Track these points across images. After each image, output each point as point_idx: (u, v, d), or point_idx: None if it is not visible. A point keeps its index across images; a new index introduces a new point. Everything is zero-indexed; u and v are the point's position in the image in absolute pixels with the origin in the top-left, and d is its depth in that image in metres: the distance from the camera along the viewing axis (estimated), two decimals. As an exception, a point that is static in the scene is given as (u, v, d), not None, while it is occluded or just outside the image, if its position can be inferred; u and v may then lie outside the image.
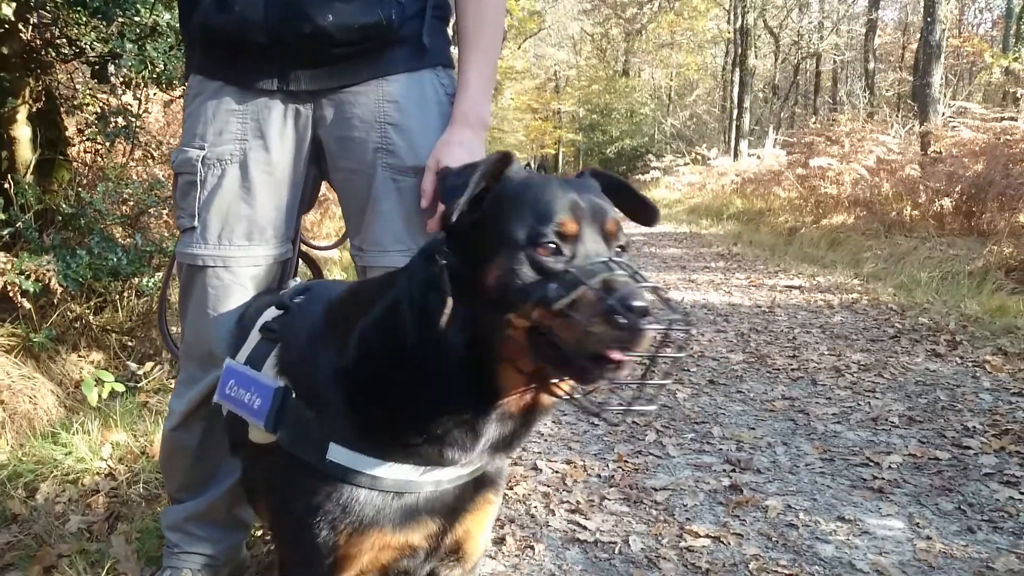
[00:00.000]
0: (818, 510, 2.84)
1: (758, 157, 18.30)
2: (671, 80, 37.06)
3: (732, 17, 26.95)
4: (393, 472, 1.32)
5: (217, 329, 1.82)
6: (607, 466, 3.24)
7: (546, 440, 3.54)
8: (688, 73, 36.43)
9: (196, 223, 1.81)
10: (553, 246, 1.19)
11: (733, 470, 3.19)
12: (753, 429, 3.67)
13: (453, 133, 1.74)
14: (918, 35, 19.33)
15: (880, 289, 7.24)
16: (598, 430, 3.67)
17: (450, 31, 1.97)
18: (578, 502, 2.88)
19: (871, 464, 3.25)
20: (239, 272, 1.82)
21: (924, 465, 3.22)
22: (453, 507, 1.39)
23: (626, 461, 3.27)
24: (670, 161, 24.73)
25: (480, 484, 1.43)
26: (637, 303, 1.06)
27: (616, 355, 1.10)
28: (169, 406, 2.00)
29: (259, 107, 1.79)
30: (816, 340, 5.43)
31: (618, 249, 1.25)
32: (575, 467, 3.22)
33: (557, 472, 3.17)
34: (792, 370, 4.68)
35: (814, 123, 16.14)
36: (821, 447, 3.44)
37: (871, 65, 23.01)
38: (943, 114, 12.38)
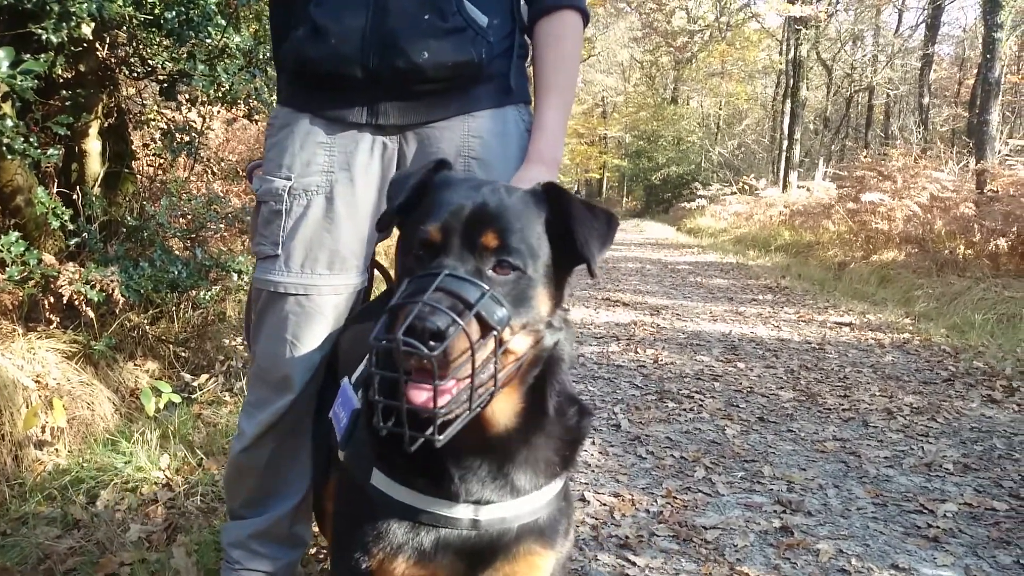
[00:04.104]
0: (871, 556, 2.79)
1: (807, 189, 18.08)
2: (720, 109, 36.91)
3: (784, 48, 26.81)
4: (427, 504, 1.33)
5: (296, 355, 1.86)
6: (655, 501, 3.22)
7: (593, 471, 3.53)
8: (738, 102, 36.27)
9: (279, 251, 1.86)
10: (420, 255, 1.21)
11: (784, 511, 3.16)
12: (804, 470, 3.62)
13: (528, 170, 1.77)
14: (975, 71, 19.07)
15: (932, 329, 7.10)
16: (646, 463, 3.65)
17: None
18: (627, 537, 2.86)
19: (925, 511, 3.19)
20: (319, 300, 1.86)
21: (981, 515, 3.15)
22: (488, 550, 1.36)
23: (675, 497, 3.25)
24: (716, 190, 24.52)
25: (526, 533, 1.39)
26: (405, 322, 1.07)
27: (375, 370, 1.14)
28: (239, 427, 2.04)
29: (347, 140, 1.83)
30: (867, 380, 5.34)
31: (496, 261, 1.22)
32: (623, 500, 3.20)
33: (605, 505, 3.16)
34: (843, 410, 4.61)
35: (865, 157, 15.95)
36: (873, 491, 3.38)
37: (926, 100, 22.68)
38: (1000, 152, 12.16)
